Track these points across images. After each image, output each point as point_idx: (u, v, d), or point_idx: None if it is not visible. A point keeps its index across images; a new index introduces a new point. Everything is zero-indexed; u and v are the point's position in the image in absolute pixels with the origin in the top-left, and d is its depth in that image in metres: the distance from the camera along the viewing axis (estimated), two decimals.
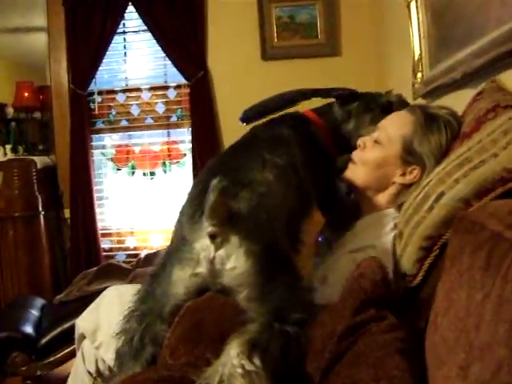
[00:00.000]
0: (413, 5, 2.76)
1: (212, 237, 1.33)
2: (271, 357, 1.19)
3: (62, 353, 2.76)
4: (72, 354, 2.47)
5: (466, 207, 1.37)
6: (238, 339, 1.22)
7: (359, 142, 1.87)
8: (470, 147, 1.45)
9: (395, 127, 1.79)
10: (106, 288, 2.16)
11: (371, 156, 1.81)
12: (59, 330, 2.82)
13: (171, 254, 1.45)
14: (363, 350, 1.14)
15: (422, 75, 2.73)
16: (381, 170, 1.77)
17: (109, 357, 1.80)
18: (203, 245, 1.35)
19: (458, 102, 2.07)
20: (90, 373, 1.92)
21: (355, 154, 1.87)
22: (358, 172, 1.84)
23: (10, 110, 5.07)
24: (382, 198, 1.80)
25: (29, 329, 2.84)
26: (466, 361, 0.92)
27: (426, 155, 1.70)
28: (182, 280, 1.39)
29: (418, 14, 2.72)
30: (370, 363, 1.10)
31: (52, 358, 2.77)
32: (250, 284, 1.32)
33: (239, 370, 1.15)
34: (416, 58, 2.78)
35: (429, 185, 1.52)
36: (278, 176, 1.54)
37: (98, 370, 1.90)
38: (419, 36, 2.73)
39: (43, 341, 2.80)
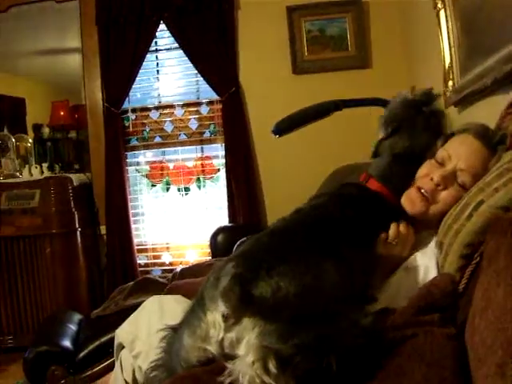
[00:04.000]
0: (442, 13, 2.76)
1: (224, 316, 1.20)
2: (292, 369, 1.08)
3: (100, 366, 2.77)
4: (110, 368, 2.49)
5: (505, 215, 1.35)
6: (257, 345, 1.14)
7: (437, 179, 1.67)
8: (511, 159, 1.44)
9: (478, 168, 1.63)
10: (142, 302, 2.17)
11: (453, 199, 1.64)
12: (97, 343, 2.84)
13: (188, 312, 1.35)
14: (422, 345, 1.13)
15: (453, 83, 2.72)
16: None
17: (146, 366, 1.81)
18: (215, 319, 1.22)
19: (489, 108, 2.07)
20: (127, 382, 1.93)
21: (432, 192, 1.68)
22: (435, 210, 1.69)
23: (45, 130, 5.15)
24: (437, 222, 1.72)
25: (67, 343, 2.87)
26: (504, 358, 0.91)
27: None
28: (191, 348, 1.29)
29: (447, 22, 2.72)
30: (425, 360, 1.09)
31: (90, 372, 2.78)
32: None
33: (257, 381, 1.09)
34: (446, 67, 2.78)
35: (468, 195, 1.49)
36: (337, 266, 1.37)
37: (134, 380, 1.90)
38: (449, 44, 2.73)
39: (81, 355, 2.83)
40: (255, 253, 1.37)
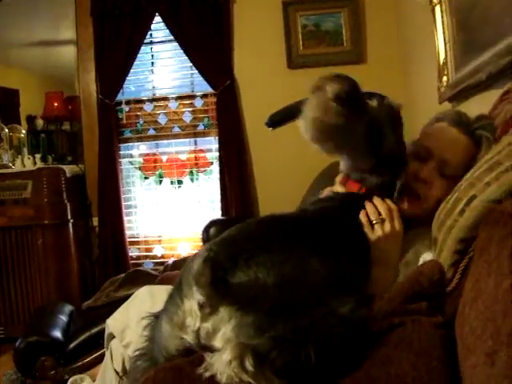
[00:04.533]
0: (437, 9, 2.76)
1: (200, 305, 1.17)
2: (269, 365, 1.07)
3: (90, 357, 2.78)
4: (100, 359, 2.49)
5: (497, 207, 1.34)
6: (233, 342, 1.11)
7: (423, 175, 1.66)
8: (500, 150, 1.42)
9: (460, 157, 1.65)
10: (133, 294, 2.17)
11: (443, 192, 1.63)
12: (87, 334, 2.85)
13: (168, 298, 1.31)
14: (410, 334, 1.13)
15: (448, 79, 2.72)
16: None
17: None
18: (191, 307, 1.18)
19: (484, 103, 2.07)
20: (117, 372, 1.92)
21: (422, 189, 1.67)
22: (426, 208, 1.67)
23: (39, 122, 5.14)
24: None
25: (57, 334, 2.87)
26: (493, 348, 0.91)
27: None
28: (169, 336, 1.26)
29: (442, 18, 2.73)
30: (413, 349, 1.09)
31: (80, 363, 2.79)
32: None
33: (236, 380, 1.08)
34: (441, 62, 2.78)
35: (459, 189, 1.48)
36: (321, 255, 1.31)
37: (124, 369, 1.90)
38: (444, 40, 2.74)
39: (71, 345, 2.84)
40: (237, 240, 1.33)
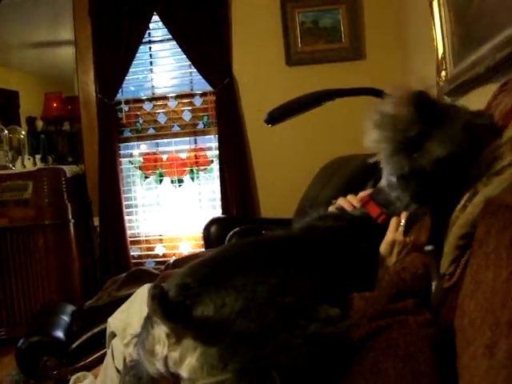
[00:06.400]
0: (435, 3, 2.76)
1: (167, 334, 1.12)
2: None
3: (93, 357, 2.77)
4: (102, 358, 2.48)
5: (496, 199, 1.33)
6: None
7: None
8: (501, 144, 1.39)
9: None
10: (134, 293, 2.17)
11: None
12: (89, 334, 2.84)
13: (143, 322, 1.22)
14: (396, 338, 1.10)
15: (447, 73, 2.72)
16: None
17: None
18: (160, 335, 1.13)
19: (483, 97, 2.06)
20: (118, 370, 1.92)
21: None
22: None
23: (39, 123, 5.15)
24: None
25: (59, 333, 2.86)
26: (493, 339, 0.90)
27: None
28: (144, 360, 1.20)
29: (440, 12, 2.72)
30: (400, 355, 1.07)
31: (82, 362, 2.77)
32: None
33: None
34: (440, 57, 2.78)
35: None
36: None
37: None
38: (442, 34, 2.73)
39: (74, 345, 2.82)
40: (216, 262, 1.27)
